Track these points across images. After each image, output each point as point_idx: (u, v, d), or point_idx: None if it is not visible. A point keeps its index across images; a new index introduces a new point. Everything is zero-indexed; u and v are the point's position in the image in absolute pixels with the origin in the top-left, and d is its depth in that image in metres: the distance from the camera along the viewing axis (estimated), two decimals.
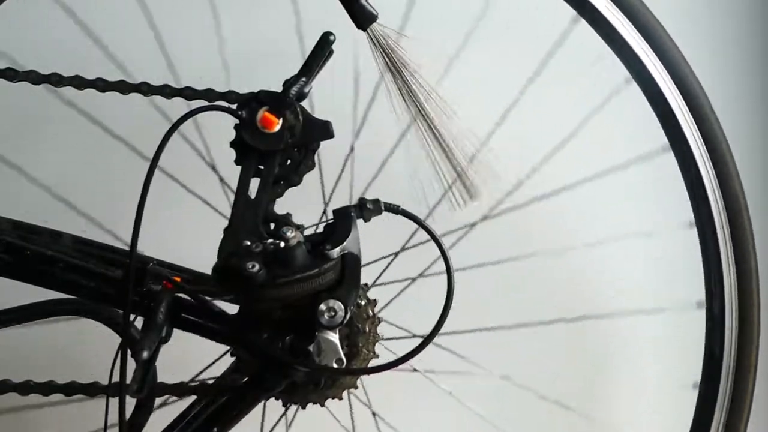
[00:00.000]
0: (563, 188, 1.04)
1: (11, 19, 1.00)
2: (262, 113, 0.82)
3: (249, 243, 0.80)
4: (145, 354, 0.77)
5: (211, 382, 0.91)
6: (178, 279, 0.83)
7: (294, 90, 0.82)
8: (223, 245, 0.82)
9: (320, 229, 0.86)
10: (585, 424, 1.21)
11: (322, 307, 0.79)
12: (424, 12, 1.00)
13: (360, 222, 0.84)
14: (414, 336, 0.93)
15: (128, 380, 0.78)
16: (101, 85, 0.84)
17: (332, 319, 0.79)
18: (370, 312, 0.89)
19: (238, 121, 0.83)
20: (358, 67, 0.99)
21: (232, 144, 0.84)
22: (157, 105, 0.92)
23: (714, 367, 0.93)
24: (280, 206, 0.85)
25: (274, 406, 0.91)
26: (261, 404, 0.88)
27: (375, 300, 0.91)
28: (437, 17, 1.11)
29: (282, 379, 0.85)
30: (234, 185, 0.83)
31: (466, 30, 1.03)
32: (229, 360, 0.90)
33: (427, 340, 0.81)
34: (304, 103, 0.85)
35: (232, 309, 0.86)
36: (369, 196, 0.85)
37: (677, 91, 0.91)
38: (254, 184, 0.83)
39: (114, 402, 0.80)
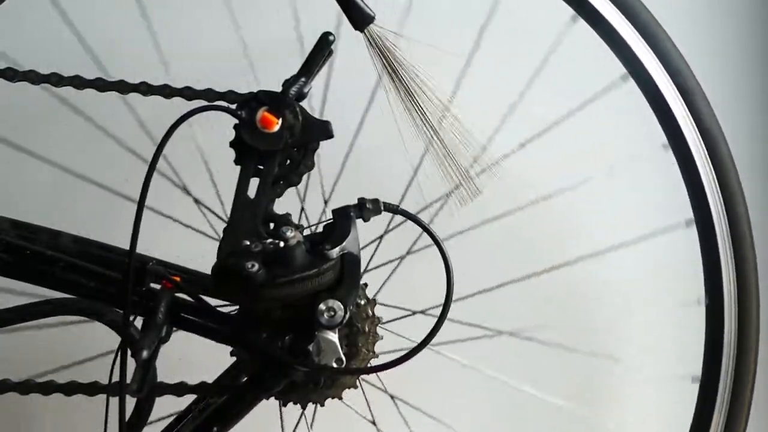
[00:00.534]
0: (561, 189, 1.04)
1: (11, 19, 1.00)
2: (262, 113, 0.82)
3: (248, 243, 0.80)
4: (144, 354, 0.77)
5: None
6: (178, 279, 0.83)
7: (293, 90, 0.82)
8: (223, 245, 0.82)
9: (320, 228, 0.86)
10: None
11: (322, 306, 0.79)
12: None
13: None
14: (414, 313, 0.95)
15: (128, 380, 0.78)
16: (101, 85, 0.85)
17: (332, 318, 0.80)
18: (370, 312, 0.89)
19: (237, 121, 0.83)
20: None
21: (232, 144, 0.84)
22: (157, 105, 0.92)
23: (714, 366, 0.93)
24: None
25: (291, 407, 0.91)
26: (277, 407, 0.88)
27: (374, 299, 0.91)
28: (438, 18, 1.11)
29: (282, 379, 0.85)
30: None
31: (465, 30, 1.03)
32: (228, 359, 0.90)
33: (427, 339, 0.81)
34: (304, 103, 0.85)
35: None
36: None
37: (676, 90, 0.91)
38: (254, 184, 0.84)
39: (114, 401, 0.80)
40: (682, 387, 0.96)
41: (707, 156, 0.92)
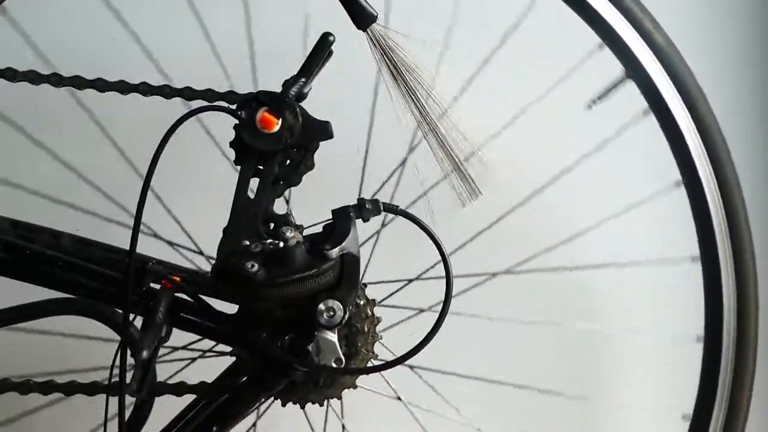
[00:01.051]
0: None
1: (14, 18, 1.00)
2: (262, 113, 0.82)
3: (248, 243, 0.80)
4: (144, 353, 0.78)
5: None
6: (178, 278, 0.84)
7: (293, 90, 0.82)
8: (223, 245, 0.82)
9: (319, 229, 0.86)
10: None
11: (321, 306, 0.79)
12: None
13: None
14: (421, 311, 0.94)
15: (128, 380, 0.78)
16: (101, 85, 0.85)
17: (331, 318, 0.80)
18: (369, 312, 0.90)
19: (237, 122, 0.83)
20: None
21: (232, 144, 0.84)
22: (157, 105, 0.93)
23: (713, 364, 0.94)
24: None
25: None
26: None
27: (374, 300, 0.91)
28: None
29: (281, 379, 0.85)
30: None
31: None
32: (227, 359, 0.90)
33: (426, 340, 0.81)
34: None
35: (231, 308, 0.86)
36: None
37: (675, 89, 0.92)
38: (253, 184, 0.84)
39: (114, 401, 0.80)
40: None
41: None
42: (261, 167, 0.84)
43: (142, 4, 1.16)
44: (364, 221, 0.84)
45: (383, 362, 0.83)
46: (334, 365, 0.80)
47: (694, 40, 1.03)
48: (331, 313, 0.80)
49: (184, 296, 0.84)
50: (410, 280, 1.00)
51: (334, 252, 0.81)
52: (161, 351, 0.86)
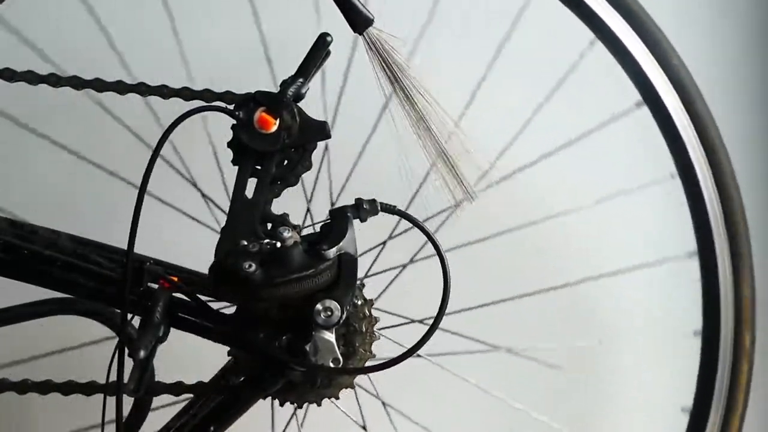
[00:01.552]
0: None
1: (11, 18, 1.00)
2: (259, 114, 0.82)
3: (246, 243, 0.80)
4: (142, 353, 0.78)
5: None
6: (176, 278, 0.84)
7: (291, 90, 0.82)
8: (220, 245, 0.82)
9: (317, 229, 0.86)
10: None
11: (319, 306, 0.79)
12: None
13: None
14: (412, 321, 0.94)
15: (126, 379, 0.78)
16: (99, 85, 0.85)
17: (328, 318, 0.80)
18: (367, 311, 0.90)
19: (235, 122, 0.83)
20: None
21: (230, 144, 0.84)
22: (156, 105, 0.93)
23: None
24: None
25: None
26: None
27: (371, 299, 0.91)
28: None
29: (279, 379, 0.85)
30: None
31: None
32: (224, 360, 0.90)
33: (424, 339, 0.81)
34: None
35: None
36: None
37: (674, 89, 0.92)
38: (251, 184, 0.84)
39: (111, 401, 0.80)
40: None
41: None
42: (259, 167, 0.84)
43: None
44: (362, 221, 0.84)
45: (381, 362, 0.83)
46: (331, 365, 0.80)
47: (694, 40, 1.03)
48: (329, 313, 0.80)
49: (182, 296, 0.84)
50: (404, 266, 0.99)
51: (332, 252, 0.81)
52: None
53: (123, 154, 1.00)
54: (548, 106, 1.03)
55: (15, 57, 0.93)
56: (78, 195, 1.04)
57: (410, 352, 0.81)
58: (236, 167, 0.84)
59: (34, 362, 0.98)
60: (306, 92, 0.85)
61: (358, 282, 0.91)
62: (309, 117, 0.84)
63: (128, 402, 0.84)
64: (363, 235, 0.85)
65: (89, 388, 0.84)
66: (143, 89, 0.85)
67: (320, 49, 0.83)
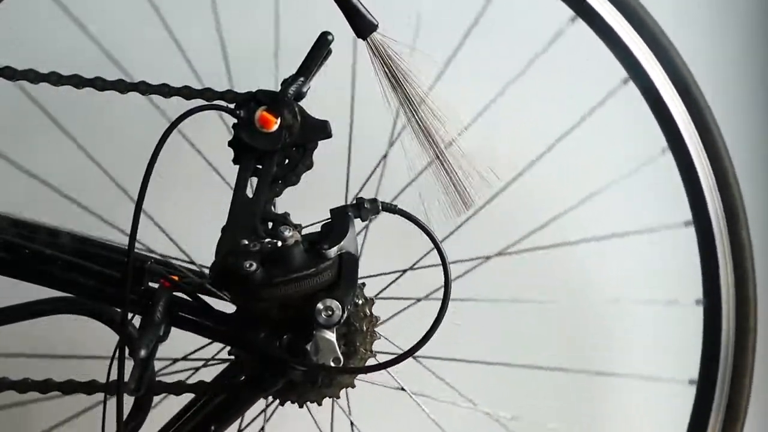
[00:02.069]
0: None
1: (11, 18, 1.00)
2: (260, 113, 0.82)
3: (247, 242, 0.80)
4: (142, 352, 0.77)
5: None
6: (176, 278, 0.84)
7: (292, 89, 0.82)
8: (221, 244, 0.82)
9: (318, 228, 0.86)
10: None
11: (320, 306, 0.79)
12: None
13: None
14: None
15: (126, 378, 0.78)
16: (100, 84, 0.85)
17: (329, 318, 0.80)
18: (368, 311, 0.90)
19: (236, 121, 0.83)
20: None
21: (230, 143, 0.84)
22: (156, 104, 0.93)
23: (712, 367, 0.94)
24: None
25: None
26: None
27: (372, 299, 0.91)
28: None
29: (280, 378, 0.85)
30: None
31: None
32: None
33: (425, 338, 0.81)
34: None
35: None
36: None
37: (675, 90, 0.92)
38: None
39: (112, 400, 0.80)
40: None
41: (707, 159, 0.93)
42: (260, 166, 0.84)
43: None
44: (363, 221, 0.84)
45: (381, 362, 0.83)
46: (332, 364, 0.80)
47: (694, 39, 1.03)
48: (330, 313, 0.80)
49: (183, 295, 0.84)
50: (404, 271, 0.99)
51: (333, 251, 0.81)
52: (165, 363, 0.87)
53: (123, 155, 1.01)
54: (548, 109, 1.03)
55: (15, 57, 0.93)
56: (77, 194, 1.03)
57: (410, 353, 0.81)
58: (237, 166, 0.84)
59: (34, 362, 0.98)
60: (307, 91, 0.85)
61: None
62: (310, 116, 0.84)
63: (128, 402, 0.83)
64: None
65: (89, 388, 0.84)
66: (144, 88, 0.85)
67: (321, 47, 0.83)
